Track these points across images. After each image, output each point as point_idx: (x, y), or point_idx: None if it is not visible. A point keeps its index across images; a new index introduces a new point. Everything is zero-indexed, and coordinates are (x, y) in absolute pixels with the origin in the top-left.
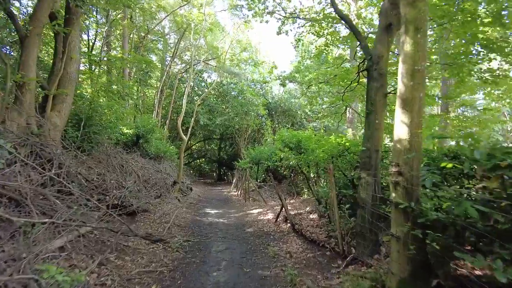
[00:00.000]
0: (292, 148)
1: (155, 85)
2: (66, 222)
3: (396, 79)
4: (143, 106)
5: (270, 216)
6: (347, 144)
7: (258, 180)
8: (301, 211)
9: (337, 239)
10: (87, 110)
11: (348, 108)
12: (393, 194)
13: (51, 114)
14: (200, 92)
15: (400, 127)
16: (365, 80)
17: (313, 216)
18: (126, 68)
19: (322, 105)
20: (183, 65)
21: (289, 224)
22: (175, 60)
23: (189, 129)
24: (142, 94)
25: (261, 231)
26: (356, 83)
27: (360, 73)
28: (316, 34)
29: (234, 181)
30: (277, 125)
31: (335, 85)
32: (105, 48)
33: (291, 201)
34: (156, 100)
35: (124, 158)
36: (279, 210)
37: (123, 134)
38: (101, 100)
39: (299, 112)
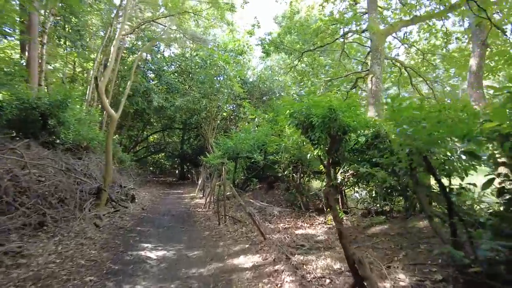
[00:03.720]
0: (314, 127)
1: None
2: None
3: None
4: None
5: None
6: None
7: (236, 182)
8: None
9: None
10: None
11: (372, 77)
12: None
13: None
14: (156, 67)
15: None
16: None
17: None
18: (34, 14)
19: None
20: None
21: None
22: (120, 19)
23: (125, 94)
24: (69, 62)
25: None
26: None
27: None
28: None
29: (199, 181)
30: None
31: None
32: None
33: (309, 230)
34: (91, 73)
35: None
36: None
37: None
38: None
39: (282, 94)
